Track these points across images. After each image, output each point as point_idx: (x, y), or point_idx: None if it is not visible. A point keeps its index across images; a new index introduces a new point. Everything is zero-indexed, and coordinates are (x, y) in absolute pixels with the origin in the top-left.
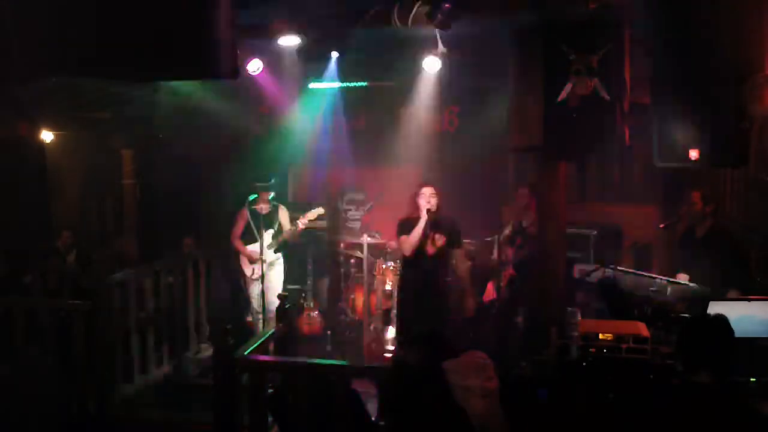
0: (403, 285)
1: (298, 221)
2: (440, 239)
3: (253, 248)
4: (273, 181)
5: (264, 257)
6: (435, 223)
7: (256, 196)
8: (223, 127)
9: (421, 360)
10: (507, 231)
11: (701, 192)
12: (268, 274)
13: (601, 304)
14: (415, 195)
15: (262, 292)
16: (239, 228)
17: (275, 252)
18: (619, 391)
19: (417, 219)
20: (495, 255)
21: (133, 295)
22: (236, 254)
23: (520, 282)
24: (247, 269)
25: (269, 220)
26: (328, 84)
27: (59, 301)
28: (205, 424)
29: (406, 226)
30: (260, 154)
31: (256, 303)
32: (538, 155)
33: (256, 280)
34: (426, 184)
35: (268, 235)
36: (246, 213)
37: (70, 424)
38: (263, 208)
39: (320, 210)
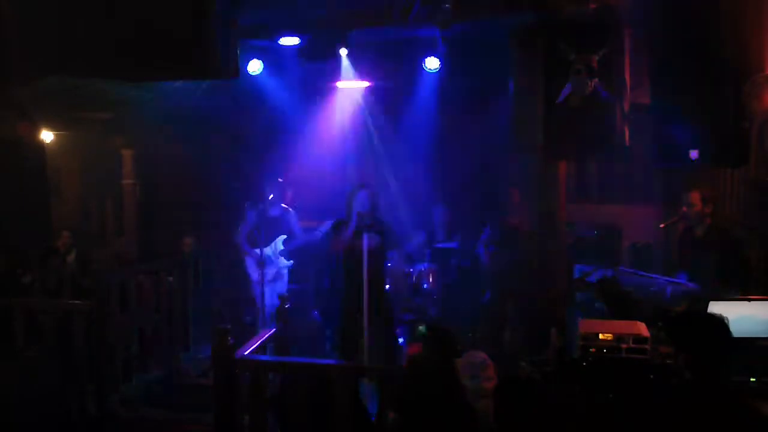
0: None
1: (320, 228)
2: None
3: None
4: (281, 181)
5: (267, 262)
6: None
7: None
8: (223, 126)
9: (435, 358)
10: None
11: (701, 192)
12: (273, 282)
13: (601, 304)
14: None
15: (263, 295)
16: (246, 229)
17: (287, 259)
18: (619, 391)
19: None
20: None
21: (133, 295)
22: (242, 256)
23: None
24: (254, 273)
25: (278, 225)
26: (328, 84)
27: (59, 301)
28: (205, 424)
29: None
30: (260, 153)
31: (257, 304)
32: (538, 155)
33: (260, 284)
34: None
35: (278, 242)
36: (254, 217)
37: (70, 424)
38: (272, 211)
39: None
